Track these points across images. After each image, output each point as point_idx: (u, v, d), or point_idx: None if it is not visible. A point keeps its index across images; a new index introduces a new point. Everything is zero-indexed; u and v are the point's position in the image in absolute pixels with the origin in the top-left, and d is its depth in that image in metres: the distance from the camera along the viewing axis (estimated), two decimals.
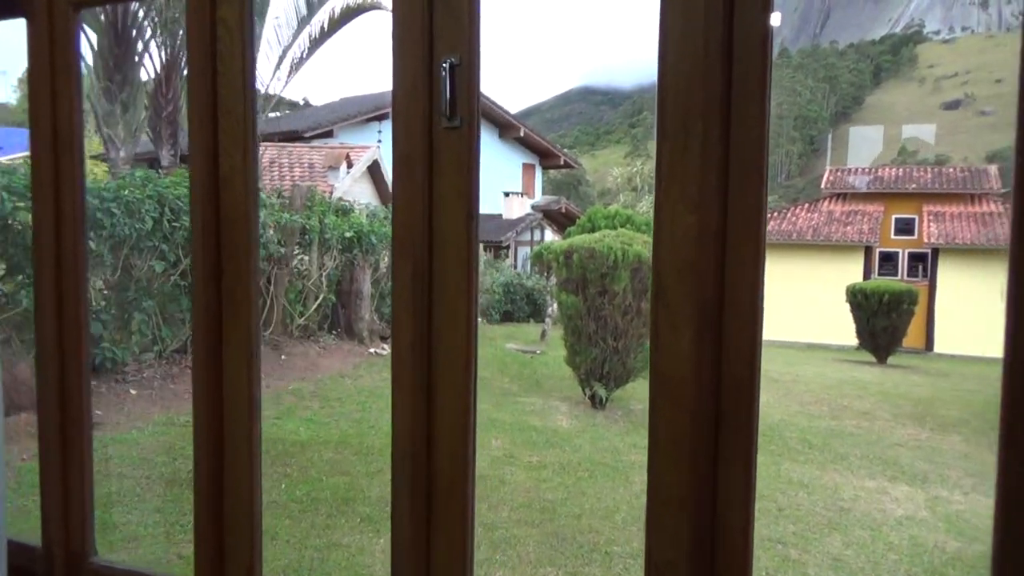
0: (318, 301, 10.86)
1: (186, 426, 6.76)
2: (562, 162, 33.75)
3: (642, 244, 8.88)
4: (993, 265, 21.50)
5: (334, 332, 11.12)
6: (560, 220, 27.31)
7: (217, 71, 1.44)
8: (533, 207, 27.26)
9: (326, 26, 12.77)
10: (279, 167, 17.45)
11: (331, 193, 15.39)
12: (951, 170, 26.29)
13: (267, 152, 17.29)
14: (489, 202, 26.86)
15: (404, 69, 1.27)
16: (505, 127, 29.84)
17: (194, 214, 1.49)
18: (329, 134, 23.23)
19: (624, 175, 39.32)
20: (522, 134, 30.03)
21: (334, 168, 16.70)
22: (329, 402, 8.07)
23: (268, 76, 12.98)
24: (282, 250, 9.69)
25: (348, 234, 11.13)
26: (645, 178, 39.08)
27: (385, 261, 12.75)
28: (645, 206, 32.24)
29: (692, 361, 1.09)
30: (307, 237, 10.72)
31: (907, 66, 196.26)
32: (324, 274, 11.04)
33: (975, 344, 20.97)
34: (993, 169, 25.28)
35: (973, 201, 23.57)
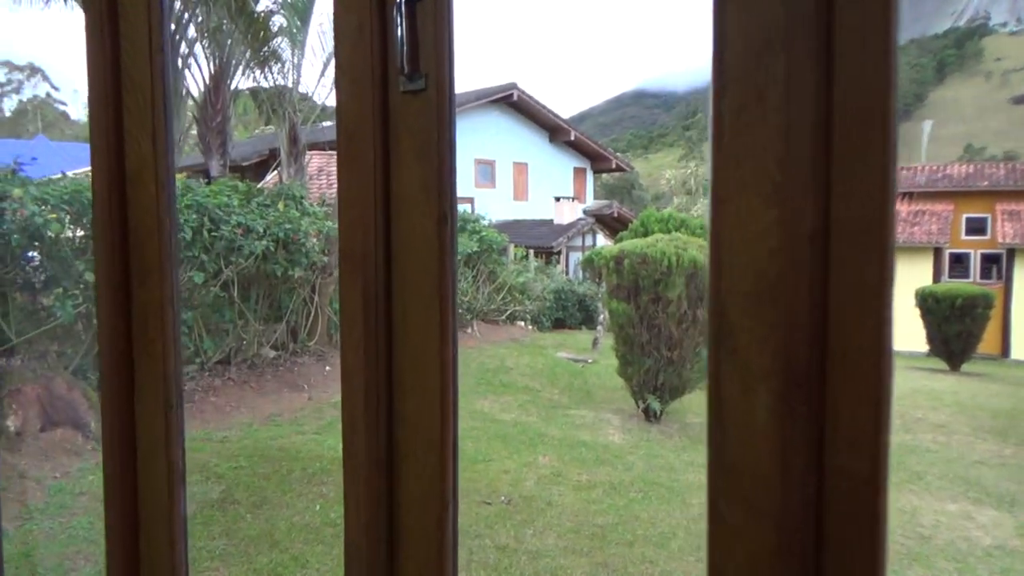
0: None
1: (223, 442, 6.56)
2: (614, 165, 33.22)
3: (697, 248, 8.40)
4: None
5: None
6: (612, 224, 26.81)
7: (119, 31, 1.10)
8: (585, 212, 26.82)
9: None
10: (327, 175, 17.40)
11: None
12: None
13: (315, 160, 17.26)
14: (540, 207, 26.54)
15: (347, 7, 0.91)
16: (556, 131, 29.49)
17: (94, 220, 1.13)
18: None
19: (678, 178, 38.52)
20: (573, 138, 29.64)
21: None
22: None
23: (313, 84, 12.89)
24: (325, 259, 9.49)
25: None
26: (700, 181, 38.29)
27: None
28: (700, 209, 31.53)
29: (774, 446, 0.70)
30: None
31: (972, 60, 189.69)
32: None
33: None
34: None
35: None
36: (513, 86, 27.62)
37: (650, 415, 8.73)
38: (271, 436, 6.72)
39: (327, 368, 9.34)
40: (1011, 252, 21.30)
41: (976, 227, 22.53)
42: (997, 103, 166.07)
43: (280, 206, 9.00)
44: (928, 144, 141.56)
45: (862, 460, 0.66)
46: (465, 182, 26.18)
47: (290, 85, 12.40)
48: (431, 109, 0.87)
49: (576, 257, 24.56)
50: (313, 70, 12.81)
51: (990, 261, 21.98)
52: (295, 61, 12.51)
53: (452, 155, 0.88)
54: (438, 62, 0.86)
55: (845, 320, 0.67)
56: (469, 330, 13.56)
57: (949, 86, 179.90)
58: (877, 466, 0.65)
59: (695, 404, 9.43)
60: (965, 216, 22.67)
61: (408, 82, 0.88)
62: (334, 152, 16.74)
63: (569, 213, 25.33)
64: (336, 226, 8.23)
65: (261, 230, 8.23)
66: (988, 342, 17.82)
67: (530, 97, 28.14)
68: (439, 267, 0.87)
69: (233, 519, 4.97)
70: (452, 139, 0.89)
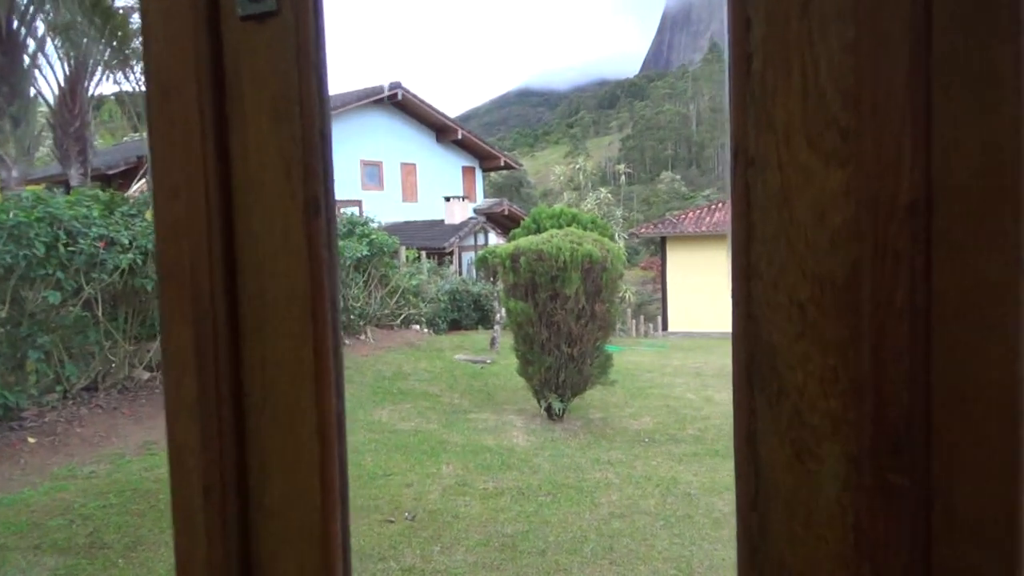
0: None
1: (91, 478, 5.92)
2: (502, 164, 33.22)
3: (592, 243, 8.32)
4: None
5: None
6: (504, 222, 26.76)
7: None
8: (475, 211, 26.65)
9: None
10: None
11: None
12: None
13: None
14: (431, 207, 26.17)
15: None
16: (443, 130, 29.19)
17: None
18: None
19: (566, 174, 38.90)
20: (460, 137, 29.43)
21: None
22: None
23: None
24: None
25: None
26: (588, 176, 38.87)
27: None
28: (590, 203, 31.99)
29: (850, 541, 0.45)
30: None
31: None
32: None
33: None
34: None
35: None
36: (397, 85, 27.11)
37: (553, 414, 8.60)
38: (146, 467, 6.13)
39: None
40: None
41: None
42: None
43: (148, 215, 8.30)
44: None
45: (990, 557, 0.43)
46: (352, 185, 25.48)
47: None
48: (288, 40, 0.58)
49: (469, 257, 24.35)
50: None
51: None
52: None
53: (324, 112, 0.60)
54: None
55: (959, 342, 0.44)
56: (363, 337, 13.09)
57: None
58: (1014, 566, 0.42)
59: (596, 400, 9.38)
60: None
61: (249, 3, 0.59)
62: None
63: (460, 213, 25.08)
64: None
65: (127, 242, 7.54)
66: None
67: (415, 96, 27.71)
68: (311, 282, 0.59)
69: (103, 566, 4.43)
70: (322, 87, 0.60)
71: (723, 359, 14.95)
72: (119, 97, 13.90)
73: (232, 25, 0.60)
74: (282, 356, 0.59)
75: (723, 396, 10.61)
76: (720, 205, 26.54)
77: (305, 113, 0.58)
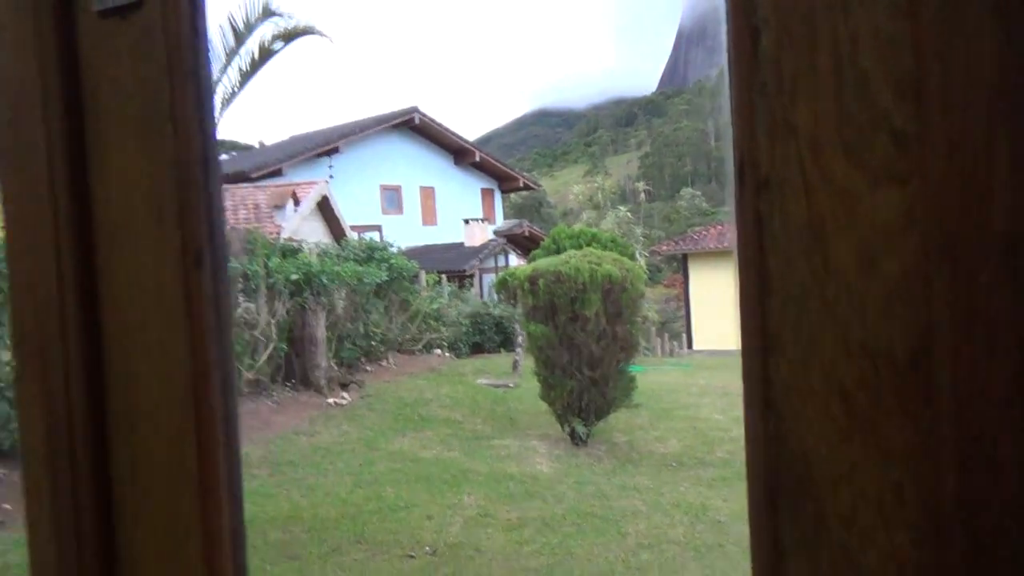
0: (268, 351, 9.97)
1: None
2: (521, 184, 33.22)
3: (611, 263, 8.17)
4: None
5: (289, 384, 10.22)
6: (524, 243, 26.67)
7: None
8: (495, 232, 26.58)
9: (256, 56, 11.97)
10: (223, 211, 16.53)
11: (279, 234, 14.51)
12: None
13: None
14: (450, 230, 26.16)
15: None
16: (461, 153, 29.27)
17: None
18: (278, 172, 22.41)
19: (585, 193, 38.77)
20: (478, 159, 29.48)
21: (280, 207, 15.82)
22: (280, 467, 7.18)
23: None
24: None
25: (294, 276, 10.27)
26: (606, 195, 38.75)
27: (342, 304, 11.92)
28: (609, 222, 31.82)
29: None
30: (251, 283, 9.86)
31: None
32: (274, 321, 10.17)
33: None
34: None
35: None
36: (415, 110, 27.25)
37: (576, 439, 8.41)
38: None
39: None
40: None
41: None
42: None
43: None
44: None
45: None
46: (372, 209, 25.57)
47: None
48: (156, 39, 0.46)
49: (490, 279, 24.25)
50: None
51: None
52: None
53: (206, 131, 0.47)
54: None
55: None
56: (384, 363, 12.99)
57: None
58: None
59: (621, 423, 9.17)
60: None
61: None
62: (229, 186, 15.88)
63: (479, 235, 25.03)
64: (231, 264, 7.61)
65: None
66: None
67: (432, 120, 27.83)
68: (193, 357, 0.46)
69: None
70: (203, 98, 0.47)
71: None
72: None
73: (88, 23, 0.47)
74: (158, 456, 0.46)
75: None
76: None
77: (181, 133, 0.45)
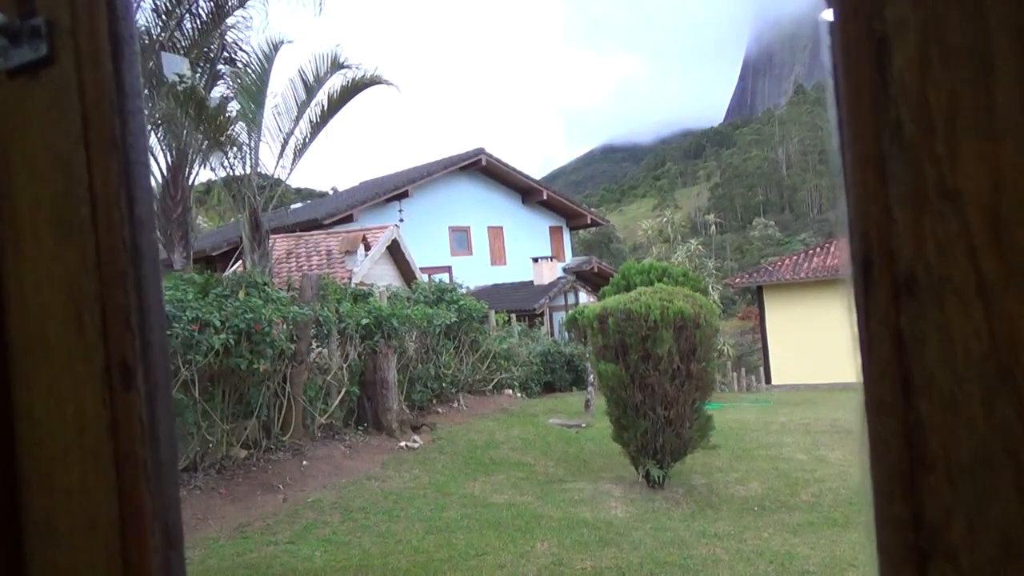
0: (340, 395, 10.05)
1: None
2: (589, 221, 33.11)
3: (683, 299, 7.94)
4: None
5: (361, 427, 10.26)
6: (593, 280, 26.47)
7: None
8: (564, 270, 26.49)
9: (326, 106, 12.32)
10: (296, 257, 16.94)
11: (350, 278, 14.76)
12: None
13: (281, 244, 16.80)
14: (519, 269, 26.20)
15: None
16: (528, 192, 29.42)
17: None
18: (349, 219, 22.92)
19: (654, 227, 38.30)
20: (546, 197, 29.57)
21: (351, 252, 16.11)
22: (352, 513, 7.14)
23: (272, 164, 12.50)
24: (292, 346, 8.93)
25: (364, 321, 10.36)
26: (676, 228, 38.23)
27: (413, 346, 11.97)
28: (680, 256, 31.33)
29: None
30: (323, 328, 9.99)
31: None
32: (346, 365, 10.26)
33: None
34: None
35: None
36: (481, 151, 27.59)
37: (652, 481, 8.13)
38: (238, 552, 6.06)
39: (304, 463, 8.69)
40: None
41: None
42: None
43: (241, 295, 8.48)
44: None
45: None
46: (442, 251, 25.85)
47: (248, 170, 12.02)
48: (70, 101, 0.37)
49: (560, 317, 24.09)
50: (271, 152, 12.40)
51: None
52: (252, 144, 12.16)
53: (139, 213, 0.38)
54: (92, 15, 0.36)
55: None
56: (455, 404, 12.95)
57: None
58: None
59: (698, 464, 8.84)
60: None
61: (12, 45, 0.38)
62: (303, 234, 16.36)
63: (548, 273, 24.98)
64: (303, 310, 7.65)
65: (219, 323, 7.69)
66: None
67: (499, 161, 28.10)
68: (120, 502, 0.37)
69: None
70: (133, 171, 0.38)
71: (833, 412, 14.01)
72: (226, 181, 14.53)
73: None
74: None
75: (837, 455, 9.85)
76: (818, 249, 25.45)
77: (102, 217, 0.36)
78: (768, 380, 24.18)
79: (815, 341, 22.68)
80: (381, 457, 9.33)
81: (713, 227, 63.13)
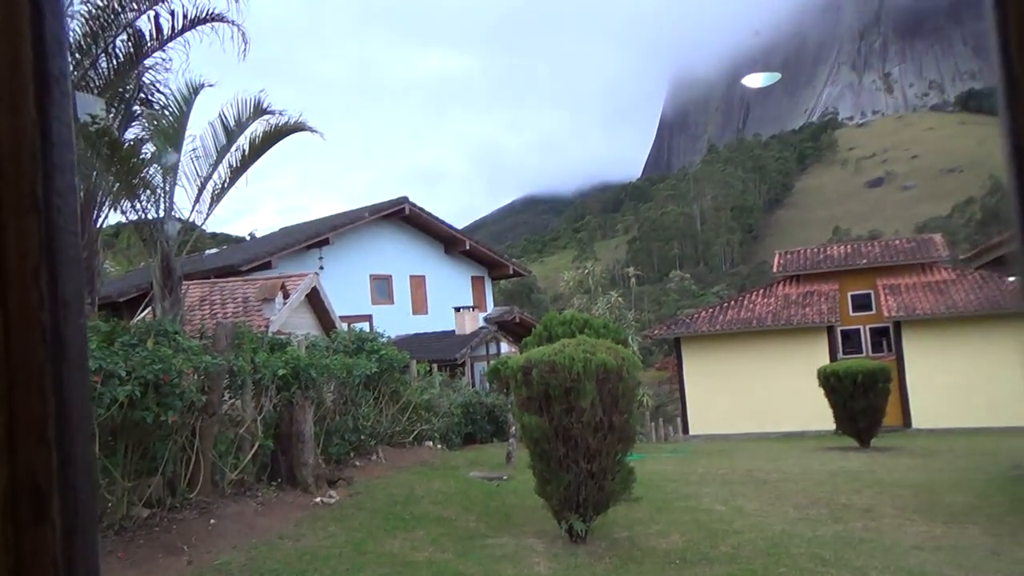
0: (254, 449, 9.64)
1: None
2: (511, 271, 33.33)
3: (606, 351, 8.00)
4: (953, 333, 21.18)
5: (274, 483, 9.84)
6: (515, 330, 26.53)
7: None
8: (486, 320, 26.48)
9: (247, 152, 12.07)
10: (210, 304, 16.37)
11: (267, 327, 14.33)
12: (898, 242, 26.39)
13: (195, 291, 16.23)
14: (441, 319, 26.03)
15: None
16: (451, 241, 29.46)
17: None
18: (268, 265, 22.39)
19: (575, 278, 38.85)
20: (468, 247, 29.65)
21: (269, 300, 15.69)
22: None
23: (188, 209, 12.11)
24: (203, 398, 8.54)
25: (281, 371, 10.04)
26: (597, 279, 38.87)
27: (331, 397, 11.64)
28: (601, 307, 31.82)
29: None
30: (237, 379, 9.61)
31: (829, 151, 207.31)
32: (260, 418, 9.87)
33: (952, 416, 20.35)
34: (938, 237, 25.47)
35: (924, 271, 23.51)
36: (404, 200, 27.56)
37: (575, 535, 8.05)
38: None
39: (212, 521, 8.25)
40: (897, 325, 22.16)
41: (862, 303, 23.44)
42: (855, 187, 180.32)
43: (149, 344, 8.09)
44: (800, 228, 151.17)
45: None
46: (362, 300, 25.49)
47: (161, 214, 11.60)
48: None
49: (481, 367, 23.98)
50: (187, 196, 12.02)
51: (879, 335, 22.79)
52: (166, 188, 11.76)
53: (70, 288, 0.33)
54: None
55: None
56: (374, 457, 12.61)
57: (812, 175, 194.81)
58: None
59: (620, 517, 8.82)
60: (850, 294, 23.59)
61: None
62: (218, 280, 15.81)
63: (470, 323, 24.91)
64: (216, 360, 7.32)
65: (124, 373, 7.29)
66: (891, 415, 18.14)
67: (422, 210, 28.11)
68: None
69: None
70: (66, 247, 0.33)
71: (748, 463, 14.29)
72: (137, 224, 14.00)
73: None
74: None
75: (754, 506, 10.00)
76: (732, 302, 26.28)
77: (15, 300, 0.30)
78: (686, 430, 24.58)
79: (731, 392, 23.25)
80: (295, 514, 8.95)
81: (632, 279, 64.55)
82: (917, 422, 21.41)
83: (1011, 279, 16.35)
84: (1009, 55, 0.34)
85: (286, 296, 16.30)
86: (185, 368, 8.21)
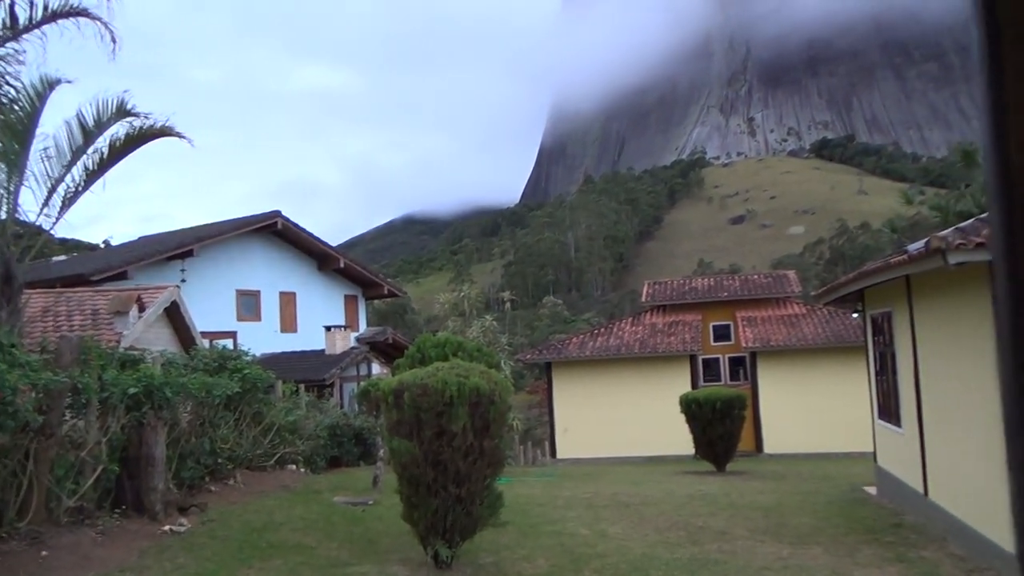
0: (96, 473, 8.93)
1: None
2: (386, 291, 32.90)
3: (479, 375, 7.97)
4: (803, 364, 22.64)
5: (118, 510, 9.14)
6: (388, 351, 26.14)
7: None
8: (358, 339, 25.94)
9: (106, 155, 11.32)
10: (55, 316, 15.15)
11: (119, 342, 13.40)
12: (756, 277, 27.93)
13: (37, 300, 14.98)
14: (311, 338, 25.25)
15: None
16: (324, 259, 28.74)
17: None
18: (123, 275, 21.04)
19: (450, 300, 38.78)
20: (343, 265, 29.02)
21: (122, 313, 14.70)
22: None
23: (35, 211, 11.19)
24: (40, 418, 7.85)
25: (133, 389, 9.39)
26: (473, 302, 38.99)
27: (187, 417, 11.00)
28: (475, 331, 31.90)
29: None
30: (82, 397, 8.91)
31: (696, 187, 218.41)
32: (105, 440, 9.17)
33: (800, 441, 21.69)
34: (792, 274, 27.24)
35: (779, 304, 25.03)
36: (277, 214, 26.70)
37: (440, 562, 7.92)
38: None
39: (44, 553, 7.56)
40: (753, 355, 23.44)
41: (722, 334, 24.66)
42: (719, 223, 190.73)
43: None
44: (668, 260, 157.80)
45: None
46: (227, 316, 24.37)
47: (3, 215, 10.66)
48: None
49: (351, 388, 23.43)
50: (35, 197, 11.11)
51: (737, 364, 24.02)
52: (11, 188, 10.83)
53: None
54: None
55: None
56: (231, 482, 11.98)
57: (680, 209, 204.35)
58: None
59: (487, 542, 8.77)
60: (712, 324, 24.77)
61: None
62: (65, 290, 14.63)
63: (341, 342, 24.32)
64: (58, 377, 6.75)
65: None
66: (745, 440, 19.10)
67: (295, 225, 27.32)
68: None
69: None
70: None
71: (613, 487, 14.63)
72: None
73: None
74: None
75: (617, 530, 10.21)
76: (602, 329, 27.01)
77: None
78: (554, 454, 24.90)
79: (598, 416, 23.81)
80: (140, 544, 8.34)
81: (507, 303, 65.27)
82: (769, 447, 22.64)
83: (854, 315, 17.66)
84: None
85: (142, 309, 15.33)
86: (21, 385, 7.53)
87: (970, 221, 8.71)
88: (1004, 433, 0.45)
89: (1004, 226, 0.44)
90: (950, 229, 8.24)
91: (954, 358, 8.97)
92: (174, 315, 16.79)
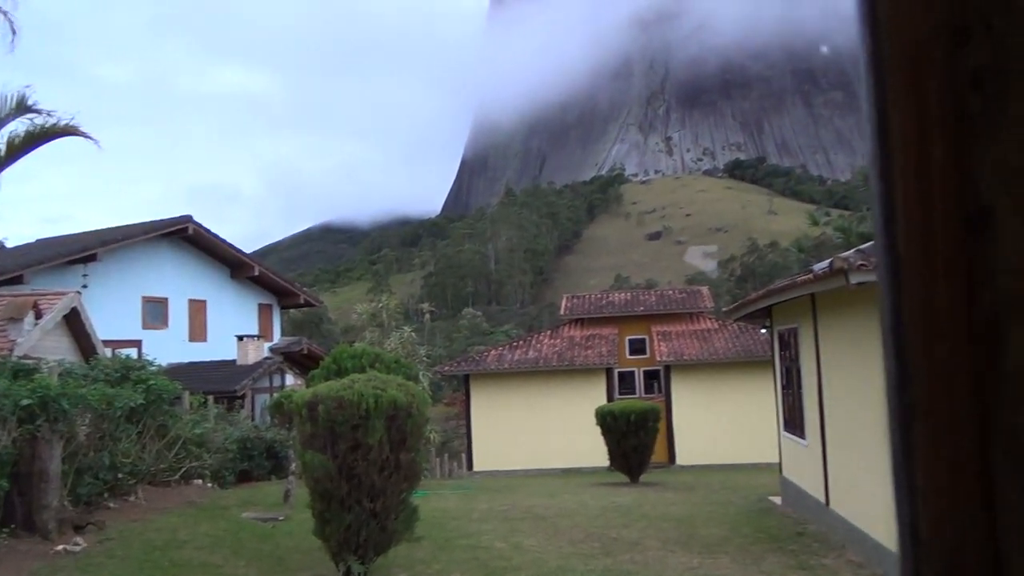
0: None
1: None
2: (302, 300, 32.18)
3: (397, 388, 7.87)
4: (714, 377, 23.31)
5: (6, 529, 8.60)
6: (303, 362, 25.54)
7: None
8: (271, 350, 25.26)
9: (3, 152, 10.72)
10: None
11: (11, 350, 12.66)
12: (671, 292, 28.63)
13: None
14: (221, 347, 24.43)
15: None
16: (238, 266, 27.91)
17: None
18: (19, 280, 19.91)
19: (368, 311, 38.28)
20: (257, 273, 28.24)
21: (16, 319, 13.90)
22: None
23: None
24: None
25: (26, 401, 8.88)
26: (392, 313, 38.50)
27: (85, 431, 10.46)
28: (394, 342, 31.50)
29: None
30: None
31: (615, 203, 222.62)
32: None
33: (710, 453, 22.28)
34: (705, 290, 28.03)
35: (692, 319, 25.71)
36: (188, 218, 25.79)
37: None
38: None
39: None
40: (667, 368, 23.98)
41: (637, 347, 25.13)
42: (636, 239, 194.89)
43: None
44: (586, 274, 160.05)
45: None
46: (131, 323, 23.35)
47: None
48: None
49: (264, 400, 22.78)
50: None
51: (651, 377, 24.51)
52: None
53: None
54: None
55: None
56: (132, 498, 11.45)
57: (599, 224, 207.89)
58: None
59: (401, 557, 8.64)
60: (628, 338, 25.22)
61: None
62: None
63: (254, 352, 23.63)
64: None
65: None
66: (658, 452, 19.48)
67: (207, 230, 26.44)
68: None
69: None
70: None
71: (528, 499, 14.67)
72: None
73: None
74: None
75: (532, 542, 10.24)
76: (521, 342, 27.15)
77: None
78: (471, 467, 24.81)
79: (516, 430, 23.88)
80: (30, 565, 7.87)
81: (427, 315, 64.72)
82: (681, 459, 23.15)
83: (763, 331, 18.29)
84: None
85: (39, 316, 14.52)
86: None
87: (871, 243, 9.18)
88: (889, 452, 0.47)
89: (887, 248, 0.46)
90: (852, 250, 8.66)
91: (854, 373, 9.40)
92: (74, 322, 15.97)
